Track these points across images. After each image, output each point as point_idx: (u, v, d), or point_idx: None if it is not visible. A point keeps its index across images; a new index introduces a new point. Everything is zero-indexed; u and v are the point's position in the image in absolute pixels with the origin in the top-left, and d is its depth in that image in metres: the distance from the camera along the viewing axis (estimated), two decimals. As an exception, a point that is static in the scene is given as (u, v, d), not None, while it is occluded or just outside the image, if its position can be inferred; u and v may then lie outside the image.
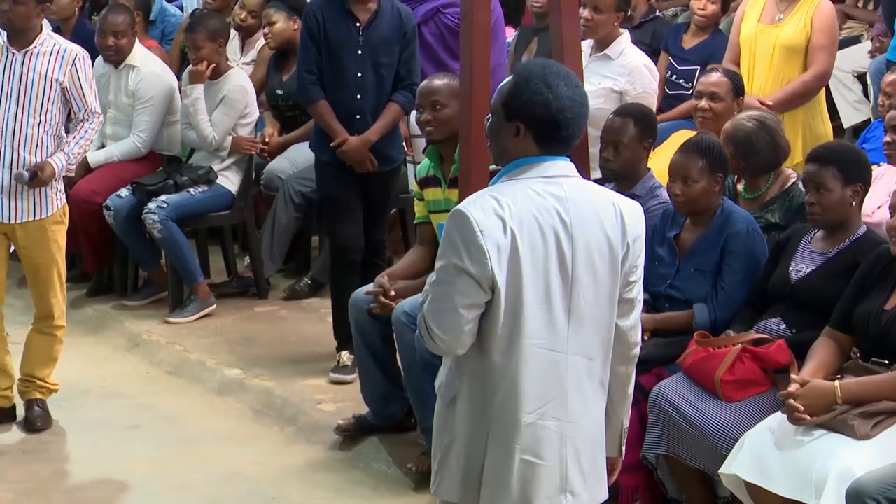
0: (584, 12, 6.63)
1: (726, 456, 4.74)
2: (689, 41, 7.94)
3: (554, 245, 3.52)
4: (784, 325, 5.08)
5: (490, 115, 3.65)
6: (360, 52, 6.59)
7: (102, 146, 8.05)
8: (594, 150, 5.67)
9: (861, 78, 8.61)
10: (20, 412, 6.37)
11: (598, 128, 5.76)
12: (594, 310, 3.59)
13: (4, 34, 6.15)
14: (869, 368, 4.71)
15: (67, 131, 6.20)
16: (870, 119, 7.81)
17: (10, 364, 6.34)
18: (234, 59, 8.65)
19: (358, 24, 6.60)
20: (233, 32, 8.68)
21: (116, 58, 7.94)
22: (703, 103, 6.30)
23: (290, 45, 8.01)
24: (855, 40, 8.97)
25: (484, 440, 3.58)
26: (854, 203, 5.03)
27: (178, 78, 8.18)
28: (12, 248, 6.35)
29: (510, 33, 8.31)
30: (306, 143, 7.33)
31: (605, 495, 3.75)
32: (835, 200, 5.00)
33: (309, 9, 6.78)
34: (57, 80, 6.08)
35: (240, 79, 7.91)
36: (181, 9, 10.36)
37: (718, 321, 5.22)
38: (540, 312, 3.52)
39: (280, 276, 8.19)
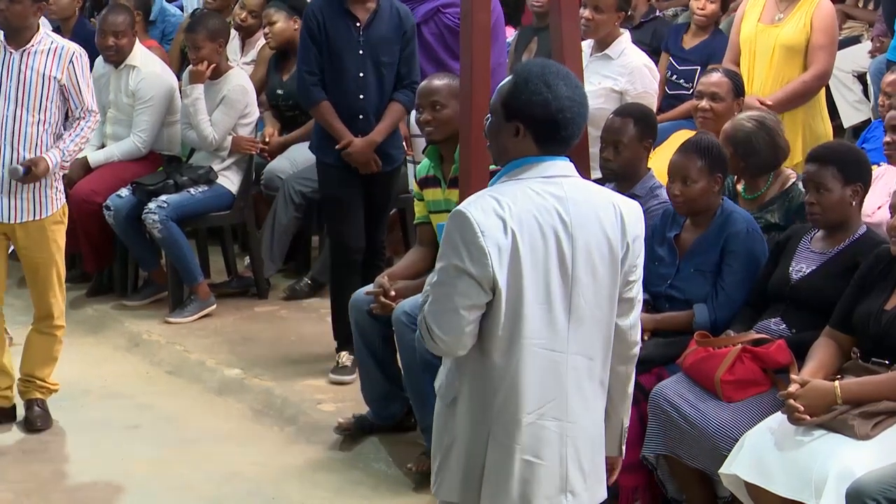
0: (585, 12, 6.63)
1: (726, 456, 4.74)
2: (690, 41, 7.94)
3: (554, 245, 3.52)
4: (784, 325, 5.08)
5: (489, 115, 3.65)
6: (360, 51, 6.59)
7: (102, 146, 8.05)
8: (594, 150, 5.67)
9: (861, 78, 8.61)
10: (20, 412, 6.37)
11: (598, 128, 5.76)
12: (594, 310, 3.59)
13: (1, 33, 6.15)
14: (869, 368, 4.71)
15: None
16: (870, 119, 7.81)
17: (10, 364, 6.34)
18: (234, 59, 8.65)
19: (358, 24, 6.60)
20: (233, 32, 8.68)
21: (116, 58, 7.94)
22: (704, 103, 6.30)
23: (290, 45, 8.01)
24: (855, 40, 8.97)
25: (484, 441, 3.58)
26: (854, 203, 5.03)
27: (178, 78, 8.18)
28: (11, 248, 6.35)
29: (510, 33, 8.31)
30: (306, 143, 7.33)
31: (604, 495, 3.75)
32: (835, 200, 5.00)
33: (308, 9, 6.78)
34: (55, 77, 6.08)
35: (240, 79, 7.91)
36: (181, 9, 10.36)
37: (718, 321, 5.22)
38: (540, 312, 3.52)
39: (280, 276, 8.19)
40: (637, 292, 3.68)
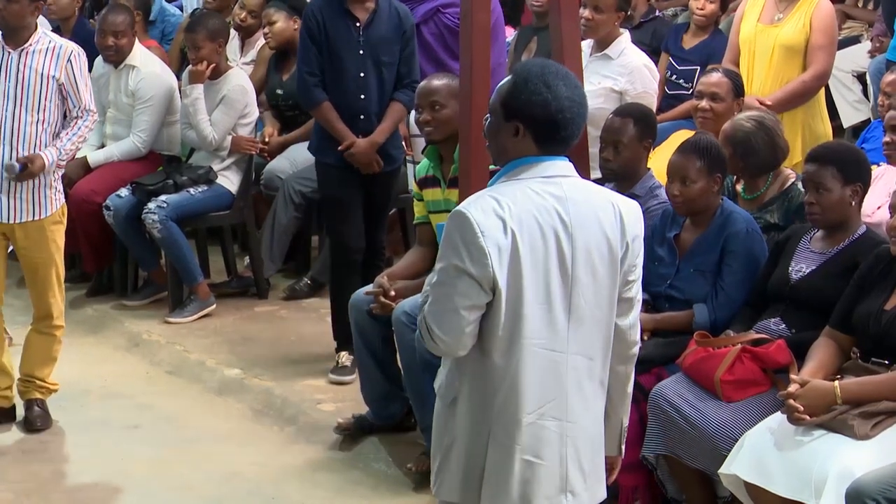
0: (585, 12, 6.63)
1: (726, 456, 4.74)
2: (689, 41, 7.94)
3: (554, 245, 3.52)
4: (784, 325, 5.08)
5: (489, 114, 3.65)
6: (360, 51, 6.59)
7: (102, 146, 8.05)
8: (594, 150, 5.67)
9: (861, 78, 8.61)
10: (20, 412, 6.37)
11: (598, 128, 5.76)
12: (594, 309, 3.59)
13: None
14: (869, 368, 4.71)
15: (66, 129, 6.22)
16: (869, 119, 7.81)
17: (10, 364, 6.34)
18: (234, 59, 8.65)
19: (357, 24, 6.60)
20: (233, 32, 8.68)
21: (116, 58, 7.94)
22: (704, 103, 6.30)
23: (290, 45, 8.01)
24: (855, 40, 8.97)
25: (484, 441, 3.58)
26: (853, 203, 5.03)
27: (178, 78, 8.18)
28: (11, 248, 6.35)
29: (510, 33, 8.31)
30: (306, 143, 7.33)
31: (604, 495, 3.75)
32: (834, 200, 5.00)
33: (308, 10, 6.78)
34: (53, 76, 6.08)
35: (240, 79, 7.92)
36: (181, 9, 10.36)
37: (718, 321, 5.22)
38: (540, 312, 3.52)
39: (280, 276, 8.19)
40: (636, 292, 3.68)
